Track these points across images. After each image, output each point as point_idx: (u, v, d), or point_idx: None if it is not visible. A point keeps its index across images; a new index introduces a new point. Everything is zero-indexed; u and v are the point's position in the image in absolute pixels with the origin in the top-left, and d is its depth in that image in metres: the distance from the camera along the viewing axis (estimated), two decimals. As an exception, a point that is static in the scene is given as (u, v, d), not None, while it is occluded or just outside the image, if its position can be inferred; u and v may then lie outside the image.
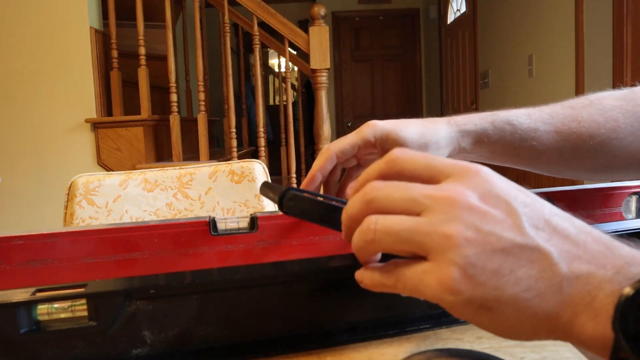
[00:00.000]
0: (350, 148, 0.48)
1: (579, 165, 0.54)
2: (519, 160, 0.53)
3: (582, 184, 0.54)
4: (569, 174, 0.56)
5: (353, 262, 0.40)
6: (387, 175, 0.29)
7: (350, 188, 0.32)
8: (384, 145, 0.48)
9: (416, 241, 0.26)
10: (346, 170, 0.52)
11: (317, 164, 0.48)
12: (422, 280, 0.25)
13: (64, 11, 2.19)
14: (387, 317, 0.42)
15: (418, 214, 0.26)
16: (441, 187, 0.26)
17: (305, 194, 0.35)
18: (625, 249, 0.25)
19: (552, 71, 2.88)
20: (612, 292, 0.23)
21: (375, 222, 0.27)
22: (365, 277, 0.29)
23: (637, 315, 0.22)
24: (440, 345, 0.40)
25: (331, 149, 0.48)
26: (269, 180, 1.04)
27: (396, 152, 0.29)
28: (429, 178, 0.28)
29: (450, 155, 0.51)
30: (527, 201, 0.26)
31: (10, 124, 2.22)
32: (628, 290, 0.22)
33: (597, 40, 2.39)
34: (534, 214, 0.26)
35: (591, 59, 2.45)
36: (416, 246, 0.26)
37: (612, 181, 0.54)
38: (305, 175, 0.52)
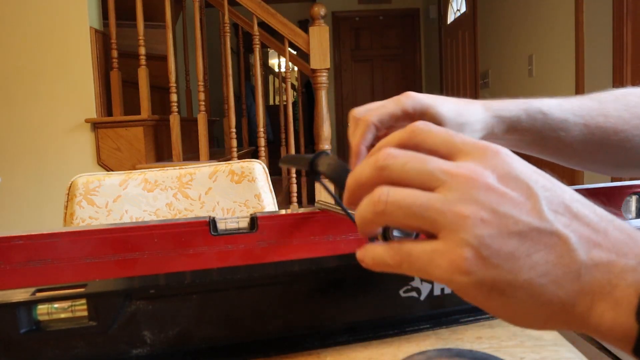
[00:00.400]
0: (389, 118, 0.44)
1: (602, 160, 0.54)
2: (545, 150, 0.53)
3: (584, 183, 0.54)
4: (591, 167, 0.56)
5: (353, 262, 0.40)
6: (405, 146, 0.27)
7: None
8: (421, 119, 0.46)
9: (429, 218, 0.24)
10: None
11: (358, 137, 0.43)
12: (431, 260, 0.24)
13: (64, 11, 2.19)
14: (387, 317, 0.42)
15: (433, 190, 0.25)
16: (459, 165, 0.25)
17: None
18: None
19: (552, 71, 2.88)
20: (636, 282, 0.22)
21: (387, 194, 0.25)
22: (367, 255, 0.28)
23: None
24: (440, 345, 0.40)
25: (369, 118, 0.43)
26: (269, 181, 1.04)
27: (419, 124, 0.28)
28: (448, 154, 0.27)
29: (482, 140, 0.50)
30: (547, 185, 0.25)
31: (10, 124, 2.22)
32: None
33: (597, 40, 2.39)
34: (554, 199, 0.25)
35: (591, 59, 2.45)
36: (428, 223, 0.25)
37: (632, 178, 0.54)
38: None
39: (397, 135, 0.28)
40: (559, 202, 0.25)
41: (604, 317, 0.23)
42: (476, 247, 0.23)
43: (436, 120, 0.45)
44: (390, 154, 0.27)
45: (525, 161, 0.26)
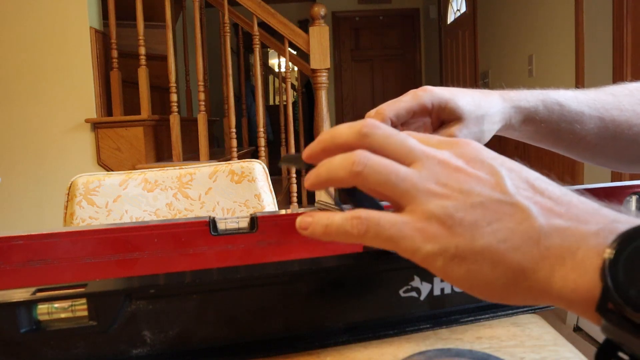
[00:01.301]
0: (405, 113, 0.44)
1: (614, 154, 0.53)
2: (559, 142, 0.53)
3: (583, 182, 0.54)
4: (603, 162, 0.55)
5: (353, 262, 0.40)
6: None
7: None
8: (440, 114, 0.46)
9: (402, 189, 0.26)
10: None
11: None
12: (400, 230, 0.26)
13: (64, 11, 2.19)
14: (387, 317, 0.42)
15: (409, 165, 0.27)
16: (435, 150, 0.28)
17: None
18: (611, 211, 0.25)
19: (552, 71, 2.88)
20: (598, 244, 0.23)
21: (367, 158, 0.27)
22: (318, 223, 0.28)
23: (627, 262, 0.21)
24: (440, 345, 0.40)
25: (385, 112, 0.44)
26: (269, 181, 1.04)
27: (370, 125, 0.29)
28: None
29: (500, 131, 0.49)
30: (512, 167, 0.27)
31: (10, 124, 2.22)
32: (615, 242, 0.22)
33: (597, 40, 2.39)
34: (517, 177, 0.26)
35: (591, 59, 2.45)
36: (399, 194, 0.26)
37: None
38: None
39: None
40: (522, 179, 0.26)
41: (567, 279, 0.23)
42: (442, 217, 0.25)
43: (456, 113, 0.45)
44: (375, 125, 0.28)
45: (493, 151, 0.29)
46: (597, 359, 0.23)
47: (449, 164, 0.27)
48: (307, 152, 0.31)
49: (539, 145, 0.53)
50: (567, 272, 0.23)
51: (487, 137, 0.48)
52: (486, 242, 0.25)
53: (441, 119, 0.46)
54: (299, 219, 0.29)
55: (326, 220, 0.28)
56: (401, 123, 0.46)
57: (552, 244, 0.24)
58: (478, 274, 0.25)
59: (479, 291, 0.26)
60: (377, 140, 0.28)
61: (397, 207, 0.27)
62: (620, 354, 0.22)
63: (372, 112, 0.45)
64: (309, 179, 0.30)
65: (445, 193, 0.26)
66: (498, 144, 3.34)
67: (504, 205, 0.25)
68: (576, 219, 0.24)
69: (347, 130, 0.29)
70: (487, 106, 0.47)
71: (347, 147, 0.28)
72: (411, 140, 0.28)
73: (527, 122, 0.50)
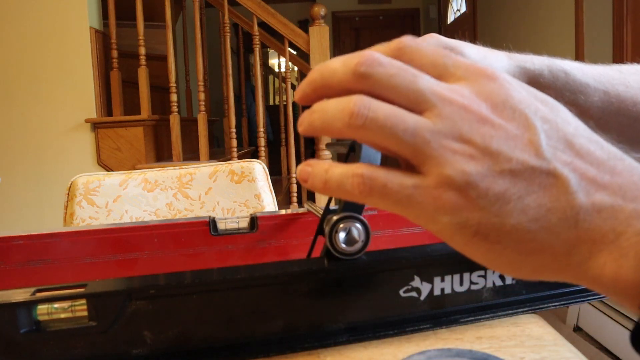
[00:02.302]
0: None
1: (617, 131, 0.52)
2: None
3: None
4: (603, 138, 0.55)
5: (353, 262, 0.40)
6: None
7: None
8: None
9: (414, 145, 0.21)
10: None
11: None
12: (412, 195, 0.22)
13: (64, 11, 2.19)
14: (387, 317, 0.42)
15: (420, 113, 0.22)
16: (453, 88, 0.22)
17: None
18: None
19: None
20: None
21: (369, 107, 0.22)
22: (317, 176, 0.24)
23: None
24: (440, 345, 0.40)
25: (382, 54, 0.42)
26: (269, 181, 1.04)
27: (407, 39, 0.24)
28: (439, 76, 0.23)
29: None
30: (549, 116, 0.22)
31: (10, 124, 2.22)
32: None
33: (597, 40, 2.39)
34: (554, 133, 0.22)
35: (591, 59, 2.45)
36: (411, 151, 0.22)
37: None
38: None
39: (380, 49, 0.25)
40: (559, 136, 0.22)
41: (606, 268, 0.20)
42: (462, 186, 0.21)
43: None
44: (377, 60, 0.23)
45: (527, 85, 0.24)
46: (632, 340, 0.20)
47: (471, 110, 0.22)
48: (299, 94, 0.26)
49: None
50: (608, 259, 0.20)
51: None
52: (515, 222, 0.21)
53: None
54: (299, 168, 0.24)
55: (324, 174, 0.23)
56: None
57: (591, 226, 0.20)
58: (501, 254, 0.22)
59: (501, 269, 0.22)
60: (380, 81, 0.23)
61: (407, 165, 0.23)
62: None
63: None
64: (302, 123, 0.25)
65: (468, 152, 0.21)
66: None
67: (539, 173, 0.21)
68: (621, 194, 0.21)
69: (340, 68, 0.24)
70: (492, 59, 0.45)
71: (342, 90, 0.23)
72: (422, 78, 0.23)
73: (531, 85, 0.50)
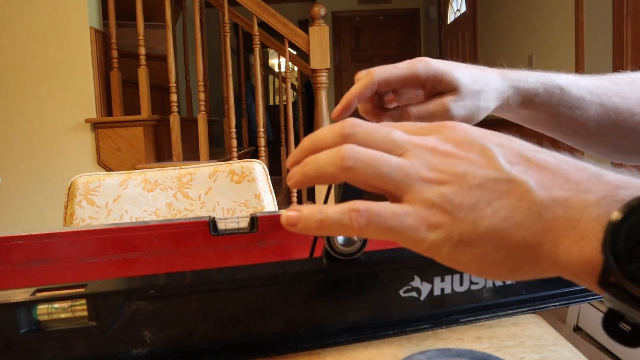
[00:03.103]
0: (395, 79, 0.43)
1: (614, 143, 0.52)
2: (557, 128, 0.51)
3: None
4: (601, 150, 0.54)
5: (353, 262, 0.40)
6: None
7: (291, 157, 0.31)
8: (435, 86, 0.44)
9: (396, 179, 0.26)
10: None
11: (356, 89, 0.44)
12: (402, 221, 0.25)
13: (64, 11, 2.19)
14: (387, 317, 0.42)
15: (398, 157, 0.27)
16: (421, 138, 0.27)
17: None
18: (614, 176, 0.24)
19: (552, 71, 2.88)
20: (600, 215, 0.22)
21: (357, 152, 0.26)
22: (311, 218, 0.27)
23: (628, 235, 0.21)
24: (440, 345, 0.40)
25: (374, 76, 0.43)
26: (269, 181, 1.04)
27: (350, 124, 0.28)
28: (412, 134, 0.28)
29: (496, 111, 0.48)
30: (503, 142, 0.27)
31: (10, 124, 2.22)
32: (616, 215, 0.21)
33: (597, 40, 2.39)
34: (509, 151, 0.26)
35: (591, 59, 2.45)
36: (394, 184, 0.26)
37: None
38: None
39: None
40: (514, 153, 0.26)
41: (571, 252, 0.23)
42: (442, 204, 0.25)
43: (452, 85, 0.44)
44: (355, 123, 0.28)
45: (482, 128, 0.28)
46: (604, 325, 0.23)
47: (438, 149, 0.27)
48: (292, 161, 0.30)
49: (536, 129, 0.52)
50: (571, 243, 0.23)
51: (483, 115, 0.46)
52: (489, 223, 0.24)
53: (436, 92, 0.45)
54: (284, 215, 0.27)
55: (319, 215, 0.26)
56: (392, 90, 0.45)
57: (554, 216, 0.23)
58: (485, 257, 0.25)
59: (487, 273, 0.25)
60: (361, 138, 0.27)
61: (393, 199, 0.27)
62: (622, 325, 0.22)
63: (363, 72, 0.45)
64: (294, 176, 0.29)
65: (441, 179, 0.25)
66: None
67: (501, 182, 0.25)
68: (577, 188, 0.24)
69: (328, 133, 0.28)
70: (484, 82, 0.46)
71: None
72: (395, 132, 0.28)
73: (526, 104, 0.48)
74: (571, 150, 0.32)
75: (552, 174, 0.25)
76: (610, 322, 0.23)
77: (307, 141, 0.29)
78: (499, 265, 0.25)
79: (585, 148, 0.54)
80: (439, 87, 0.44)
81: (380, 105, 0.47)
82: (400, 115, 0.45)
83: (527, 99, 0.48)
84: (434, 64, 0.44)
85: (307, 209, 0.27)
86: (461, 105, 0.44)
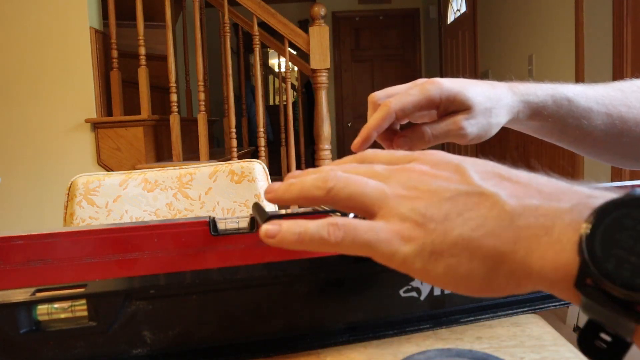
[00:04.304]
0: (412, 107, 0.44)
1: (621, 151, 0.53)
2: (565, 137, 0.52)
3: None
4: (609, 158, 0.55)
5: (353, 262, 0.40)
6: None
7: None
8: (448, 106, 0.45)
9: (372, 197, 0.27)
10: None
11: (374, 122, 0.45)
12: (376, 234, 0.26)
13: (64, 11, 2.19)
14: (387, 317, 0.42)
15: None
16: (401, 165, 0.29)
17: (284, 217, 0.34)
18: (585, 187, 0.24)
19: (552, 71, 2.88)
20: (573, 220, 0.22)
21: (340, 175, 0.28)
22: (289, 231, 0.27)
23: (604, 236, 0.21)
24: (440, 345, 0.40)
25: (391, 106, 0.44)
26: (269, 181, 1.04)
27: (332, 177, 0.29)
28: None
29: (507, 124, 0.49)
30: (477, 162, 0.28)
31: (10, 124, 2.22)
32: (591, 217, 0.22)
33: (597, 40, 2.39)
34: (482, 169, 0.27)
35: (591, 59, 2.45)
36: (370, 202, 0.27)
37: None
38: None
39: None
40: (487, 170, 0.27)
41: (545, 258, 0.23)
42: (414, 218, 0.26)
43: (465, 104, 0.45)
44: (335, 176, 0.29)
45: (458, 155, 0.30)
46: (579, 343, 0.22)
47: (415, 170, 0.28)
48: (274, 195, 0.31)
49: (544, 139, 0.53)
50: (545, 250, 0.23)
51: (494, 131, 0.47)
52: (459, 232, 0.24)
53: (449, 111, 0.46)
54: (263, 228, 0.28)
55: (299, 228, 0.27)
56: (406, 116, 0.46)
57: (525, 224, 0.23)
58: (457, 268, 0.25)
59: (462, 286, 0.25)
60: (342, 184, 0.28)
61: (370, 217, 0.28)
62: (603, 335, 0.22)
63: (378, 96, 0.46)
64: (278, 189, 0.30)
65: (415, 195, 0.26)
66: (499, 144, 3.31)
67: (472, 195, 0.25)
68: (548, 198, 0.24)
69: (314, 181, 0.29)
70: (496, 99, 0.46)
71: (316, 201, 0.29)
72: (377, 166, 0.30)
73: (535, 117, 0.49)
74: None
75: (524, 186, 0.25)
76: (587, 339, 0.22)
77: (298, 187, 0.30)
78: (473, 278, 0.25)
79: (591, 156, 0.55)
80: (451, 107, 0.45)
81: (392, 128, 0.48)
82: (414, 133, 0.46)
83: (536, 112, 0.49)
84: (446, 84, 0.45)
85: (286, 223, 0.28)
86: (474, 123, 0.46)
